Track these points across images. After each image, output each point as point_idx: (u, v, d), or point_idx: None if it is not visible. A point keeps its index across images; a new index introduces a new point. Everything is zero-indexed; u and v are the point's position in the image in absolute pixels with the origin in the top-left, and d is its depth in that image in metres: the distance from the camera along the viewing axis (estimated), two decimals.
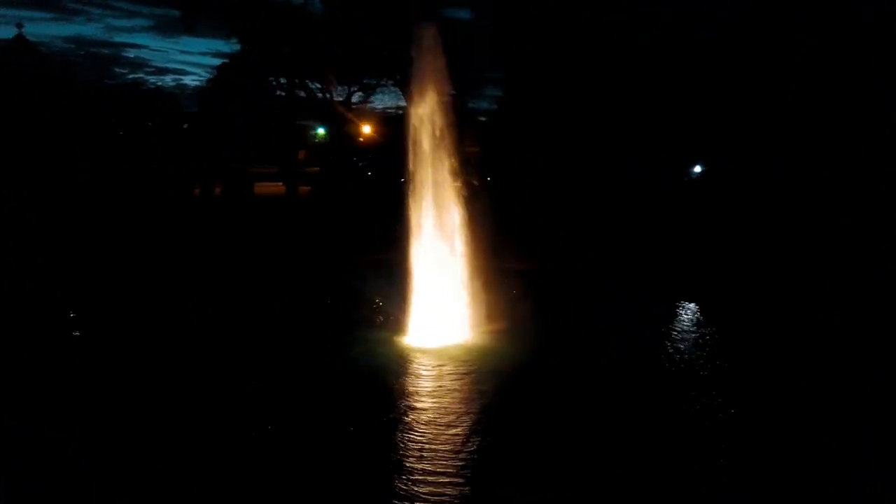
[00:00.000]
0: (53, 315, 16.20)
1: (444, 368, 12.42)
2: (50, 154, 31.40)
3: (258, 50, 35.00)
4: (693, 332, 15.38)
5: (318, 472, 8.69)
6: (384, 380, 11.91)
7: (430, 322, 14.18)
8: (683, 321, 16.32)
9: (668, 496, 8.23)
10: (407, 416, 10.33)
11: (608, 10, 29.29)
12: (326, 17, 36.04)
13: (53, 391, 11.41)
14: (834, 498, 8.22)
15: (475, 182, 34.17)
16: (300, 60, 34.67)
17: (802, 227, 23.28)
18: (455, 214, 14.80)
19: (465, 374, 12.19)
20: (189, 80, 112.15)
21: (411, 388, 11.58)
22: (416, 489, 8.13)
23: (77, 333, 15.00)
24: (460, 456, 8.99)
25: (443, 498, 7.95)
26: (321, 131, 42.37)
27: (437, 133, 14.34)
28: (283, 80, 37.25)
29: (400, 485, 8.24)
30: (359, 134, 40.23)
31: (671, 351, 13.82)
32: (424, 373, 12.28)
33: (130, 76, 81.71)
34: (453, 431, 9.77)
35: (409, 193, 14.40)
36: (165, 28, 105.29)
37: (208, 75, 38.99)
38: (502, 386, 11.56)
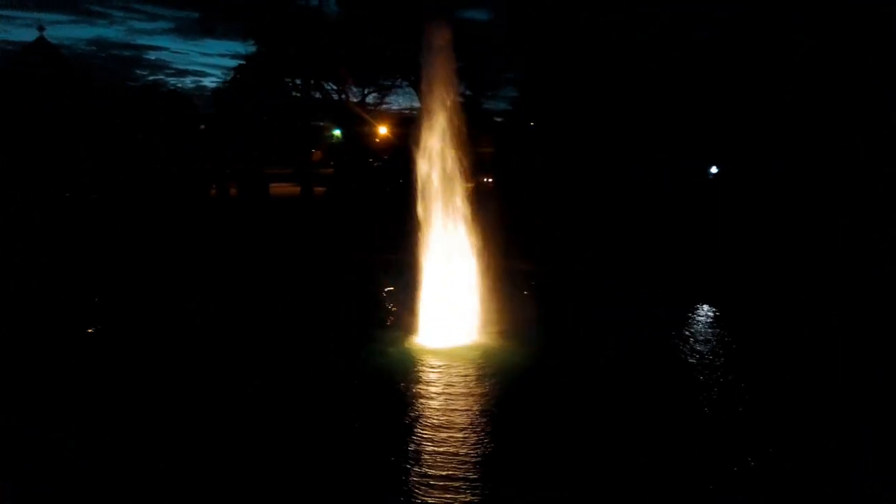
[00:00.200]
0: (66, 313, 16.42)
1: (452, 369, 12.39)
2: (68, 155, 31.85)
3: (274, 51, 35.29)
4: (707, 334, 15.21)
5: (324, 475, 8.65)
6: (392, 380, 11.93)
7: (439, 322, 14.18)
8: (696, 323, 16.16)
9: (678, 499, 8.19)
10: (415, 418, 10.28)
11: (623, 10, 29.21)
12: (341, 19, 36.26)
13: (67, 390, 11.56)
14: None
15: (488, 182, 34.24)
16: (315, 61, 34.90)
17: (807, 228, 23.07)
18: (464, 215, 14.78)
19: (473, 375, 12.15)
20: (208, 82, 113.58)
21: (419, 390, 11.56)
22: (425, 497, 8.04)
23: (91, 330, 15.22)
24: (470, 459, 8.91)
25: None
26: (337, 132, 42.56)
27: (446, 133, 14.33)
28: (298, 82, 37.51)
29: (410, 489, 8.17)
30: (374, 135, 40.38)
31: (681, 353, 13.69)
32: (433, 374, 12.26)
33: (151, 78, 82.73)
34: (463, 434, 9.69)
35: (418, 194, 14.43)
36: (186, 30, 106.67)
37: (227, 77, 39.34)
38: (512, 387, 11.53)
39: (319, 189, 38.56)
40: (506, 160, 32.78)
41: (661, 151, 28.40)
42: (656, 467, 8.76)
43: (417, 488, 8.18)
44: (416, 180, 14.50)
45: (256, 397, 11.00)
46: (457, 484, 8.28)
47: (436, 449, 9.20)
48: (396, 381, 11.94)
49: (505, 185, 30.78)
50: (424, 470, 8.61)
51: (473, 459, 8.91)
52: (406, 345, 13.79)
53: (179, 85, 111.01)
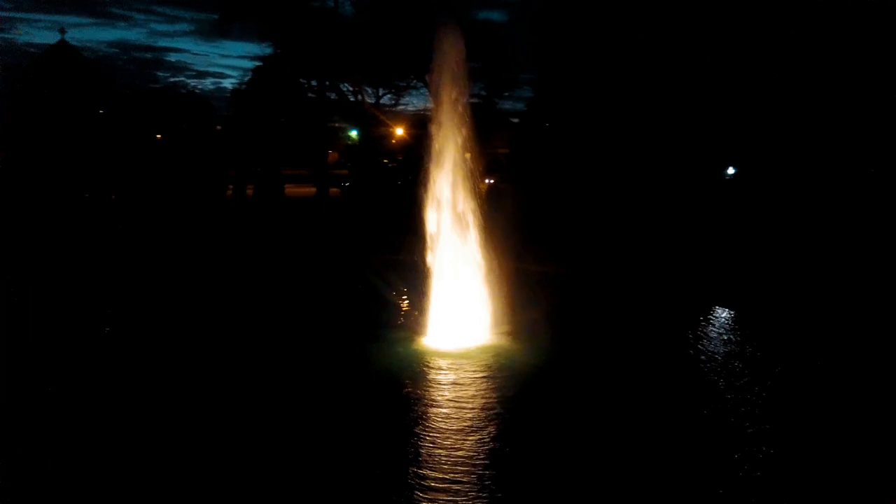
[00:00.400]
0: (78, 309, 16.68)
1: (462, 371, 12.33)
2: (87, 156, 32.32)
3: (290, 52, 35.52)
4: (724, 337, 15.04)
5: (329, 477, 8.59)
6: (402, 382, 11.90)
7: (450, 323, 14.19)
8: (712, 326, 15.96)
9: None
10: (422, 421, 10.20)
11: (640, 10, 29.05)
12: (357, 19, 36.44)
13: (79, 389, 11.72)
14: None
15: (503, 183, 34.16)
16: (331, 62, 35.07)
17: (828, 229, 22.77)
18: (476, 216, 14.78)
19: (484, 377, 12.09)
20: (228, 84, 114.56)
21: (428, 391, 11.51)
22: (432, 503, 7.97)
23: (107, 329, 15.45)
24: (478, 463, 8.80)
25: None
26: (353, 133, 42.76)
27: (456, 134, 14.33)
28: (313, 83, 37.72)
29: (416, 494, 8.08)
30: (389, 136, 40.49)
31: (695, 356, 13.52)
32: (442, 376, 12.21)
33: (171, 80, 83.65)
34: (473, 438, 9.56)
35: (429, 195, 14.45)
36: (206, 32, 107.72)
37: (245, 78, 39.68)
38: (522, 390, 11.46)
39: (334, 190, 38.77)
40: (521, 161, 32.71)
41: (678, 151, 28.19)
42: (670, 474, 8.64)
43: (424, 493, 8.09)
44: (426, 181, 14.51)
45: (264, 396, 11.04)
46: (465, 489, 8.18)
47: (443, 452, 9.11)
48: (405, 382, 11.92)
49: (520, 186, 30.69)
50: (431, 474, 8.51)
51: (481, 464, 8.81)
52: (416, 346, 13.76)
53: (199, 86, 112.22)
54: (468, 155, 14.82)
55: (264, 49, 37.17)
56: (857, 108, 25.65)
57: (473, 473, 8.54)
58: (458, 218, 14.52)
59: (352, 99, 38.96)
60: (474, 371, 12.41)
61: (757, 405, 10.85)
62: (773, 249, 22.36)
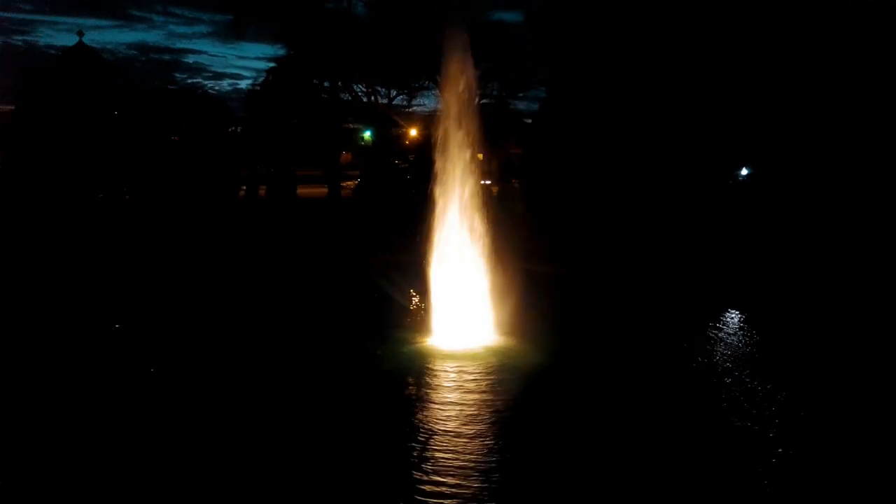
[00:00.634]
0: (85, 307, 16.89)
1: (465, 372, 12.30)
2: (102, 157, 32.69)
3: (303, 53, 35.71)
4: (733, 340, 14.90)
5: (331, 480, 8.53)
6: (406, 383, 11.94)
7: (455, 324, 14.20)
8: (722, 329, 15.76)
9: None
10: (426, 423, 10.13)
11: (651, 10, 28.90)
12: (369, 20, 36.55)
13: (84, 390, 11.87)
14: None
15: (515, 183, 34.10)
16: (344, 63, 35.22)
17: (843, 230, 22.51)
18: (482, 217, 14.78)
19: (488, 378, 12.05)
20: (245, 85, 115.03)
21: (432, 393, 11.50)
22: None
23: (117, 326, 15.65)
24: (482, 468, 8.71)
25: None
26: (367, 134, 42.91)
27: (464, 135, 14.35)
28: (326, 84, 37.90)
29: (418, 498, 7.99)
30: (401, 136, 40.59)
31: (702, 359, 13.44)
32: (446, 377, 12.18)
33: (189, 81, 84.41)
34: (477, 441, 9.49)
35: (434, 196, 14.49)
36: (224, 34, 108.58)
37: (260, 79, 39.95)
38: (526, 392, 11.42)
39: (349, 184, 38.99)
40: (533, 161, 32.64)
41: (691, 152, 28.01)
42: (675, 478, 8.56)
43: (426, 497, 8.02)
44: (432, 182, 14.56)
45: (267, 396, 11.08)
46: (470, 493, 8.11)
47: (446, 455, 9.02)
48: (409, 383, 11.95)
49: (531, 187, 30.66)
50: (434, 478, 8.41)
51: (485, 468, 8.71)
52: (421, 346, 13.79)
53: (217, 88, 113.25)
54: (480, 156, 14.84)
55: (280, 50, 37.45)
56: (875, 109, 25.33)
57: (477, 477, 8.46)
58: (464, 218, 14.54)
59: (365, 100, 39.10)
60: (478, 372, 12.38)
61: (763, 408, 10.71)
62: (786, 251, 22.14)
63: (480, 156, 14.93)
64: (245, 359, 13.02)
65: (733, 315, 17.03)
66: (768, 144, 27.73)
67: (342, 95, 38.40)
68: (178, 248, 24.63)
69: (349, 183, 40.15)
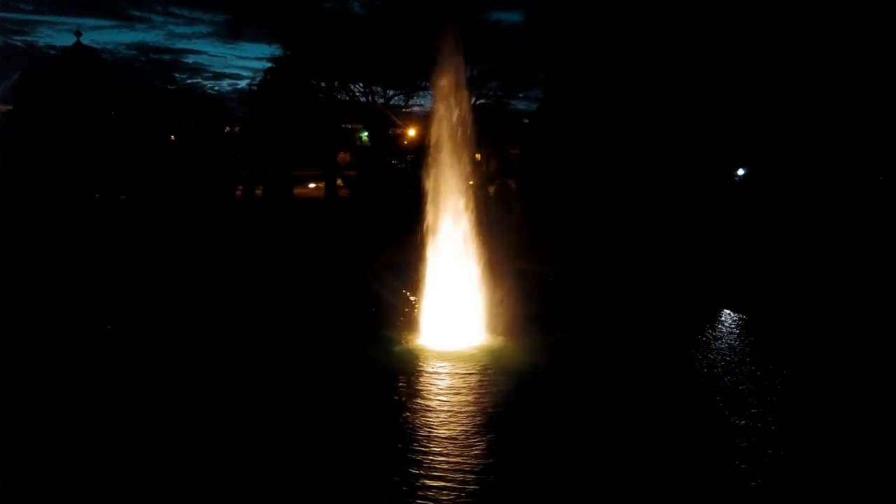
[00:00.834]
0: (78, 307, 16.88)
1: (456, 373, 12.25)
2: (99, 157, 32.73)
3: (301, 53, 35.75)
4: (729, 343, 14.86)
5: (317, 482, 8.44)
6: (397, 383, 11.87)
7: (447, 324, 14.13)
8: (716, 331, 15.71)
9: None
10: (417, 424, 10.04)
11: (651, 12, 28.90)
12: (367, 20, 36.58)
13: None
14: None
15: (512, 184, 34.15)
16: (341, 63, 35.25)
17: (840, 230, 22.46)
18: (475, 216, 14.74)
19: (480, 380, 11.98)
20: (245, 85, 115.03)
21: (422, 393, 11.42)
22: None
23: (109, 327, 15.64)
24: (472, 470, 8.60)
25: None
26: (364, 134, 42.94)
27: (456, 135, 14.32)
28: (323, 84, 37.94)
29: (408, 500, 7.89)
30: (399, 136, 40.63)
31: (698, 360, 13.32)
32: (437, 377, 12.13)
33: (189, 81, 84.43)
34: (468, 444, 9.36)
35: (427, 195, 14.47)
36: (224, 34, 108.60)
37: (258, 79, 39.96)
38: (516, 392, 11.34)
39: (343, 191, 38.99)
40: (530, 161, 32.68)
41: (689, 152, 28.01)
42: (668, 479, 8.48)
43: (415, 500, 7.91)
44: (425, 181, 14.54)
45: (255, 397, 11.00)
46: (458, 495, 8.03)
47: (434, 458, 8.91)
48: (400, 384, 11.89)
49: (528, 187, 30.68)
50: (422, 482, 8.27)
51: (474, 470, 8.61)
52: (414, 346, 13.72)
53: (217, 88, 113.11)
54: (478, 156, 14.81)
55: (278, 50, 37.49)
56: (872, 110, 25.31)
57: (466, 479, 8.35)
58: (457, 218, 14.52)
59: (363, 100, 39.14)
60: (470, 373, 12.31)
61: (756, 410, 10.64)
62: (783, 250, 22.09)
63: (478, 156, 14.88)
64: (232, 359, 12.95)
65: (729, 316, 16.98)
66: (765, 145, 27.72)
67: (339, 95, 38.46)
68: (172, 248, 24.63)
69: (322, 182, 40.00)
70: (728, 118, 27.59)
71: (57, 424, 9.94)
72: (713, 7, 28.59)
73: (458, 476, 8.44)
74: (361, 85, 38.38)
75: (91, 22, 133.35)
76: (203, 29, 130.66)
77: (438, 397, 11.24)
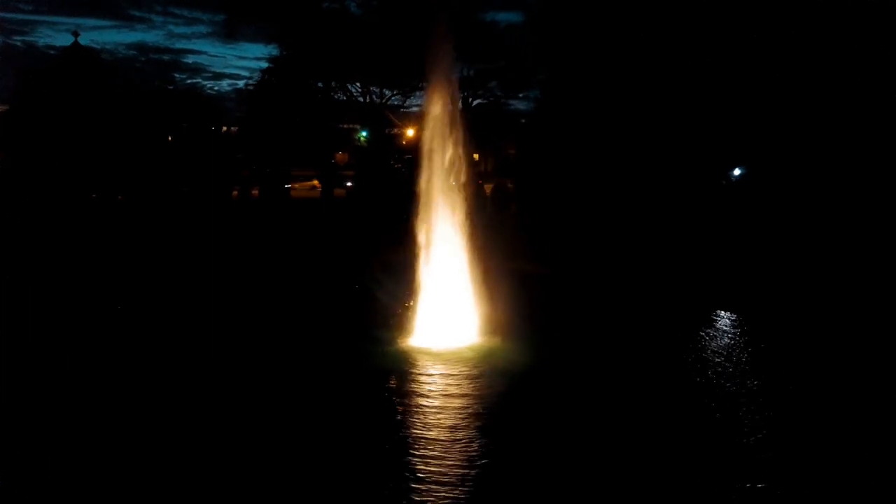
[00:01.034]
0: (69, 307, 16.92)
1: (449, 375, 12.25)
2: (96, 157, 32.78)
3: (298, 53, 35.76)
4: (720, 342, 14.79)
5: (307, 485, 8.42)
6: (389, 385, 11.88)
7: (439, 324, 14.13)
8: (708, 331, 15.64)
9: None
10: (409, 429, 9.98)
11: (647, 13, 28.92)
12: (364, 20, 36.61)
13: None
14: None
15: (508, 184, 34.16)
16: (339, 63, 35.27)
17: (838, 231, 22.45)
18: (467, 217, 14.77)
19: (472, 381, 12.00)
20: (244, 85, 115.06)
21: (414, 394, 11.41)
22: None
23: (101, 327, 15.68)
24: (462, 472, 8.57)
25: None
26: (363, 135, 42.98)
27: (448, 135, 14.36)
28: (320, 84, 37.96)
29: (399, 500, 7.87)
30: (396, 136, 40.68)
31: (689, 360, 13.32)
32: (429, 381, 12.08)
33: (189, 81, 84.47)
34: (459, 446, 9.33)
35: (420, 195, 14.50)
36: (224, 34, 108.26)
37: (256, 80, 39.94)
38: (508, 392, 11.35)
39: (340, 191, 39.07)
40: (527, 161, 32.71)
41: (684, 152, 28.02)
42: (656, 475, 8.50)
43: (405, 495, 7.94)
44: (417, 182, 14.57)
45: (245, 399, 10.98)
46: (449, 488, 8.07)
47: (425, 460, 8.87)
48: (392, 385, 11.91)
49: (524, 187, 30.70)
50: (414, 486, 8.23)
51: (465, 473, 8.59)
52: (405, 346, 13.75)
53: (216, 88, 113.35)
54: (476, 156, 14.84)
55: (271, 50, 37.51)
56: (868, 109, 25.30)
57: (457, 483, 8.33)
58: (450, 219, 14.55)
59: (360, 100, 39.17)
60: (462, 373, 12.32)
61: (746, 411, 10.64)
62: (777, 251, 22.09)
63: (476, 156, 14.91)
64: (222, 360, 12.94)
65: (722, 316, 16.99)
66: (761, 145, 27.72)
67: (337, 95, 38.49)
68: (166, 249, 24.67)
69: (314, 182, 40.12)
70: (724, 119, 27.59)
71: (51, 423, 9.98)
72: (711, 7, 28.62)
73: (449, 478, 8.41)
74: (359, 85, 38.47)
75: (91, 22, 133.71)
76: (203, 29, 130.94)
77: (429, 397, 11.25)
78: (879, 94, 25.17)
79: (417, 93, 38.56)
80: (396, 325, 14.81)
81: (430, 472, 8.57)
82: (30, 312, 16.55)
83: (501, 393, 11.36)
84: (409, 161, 34.46)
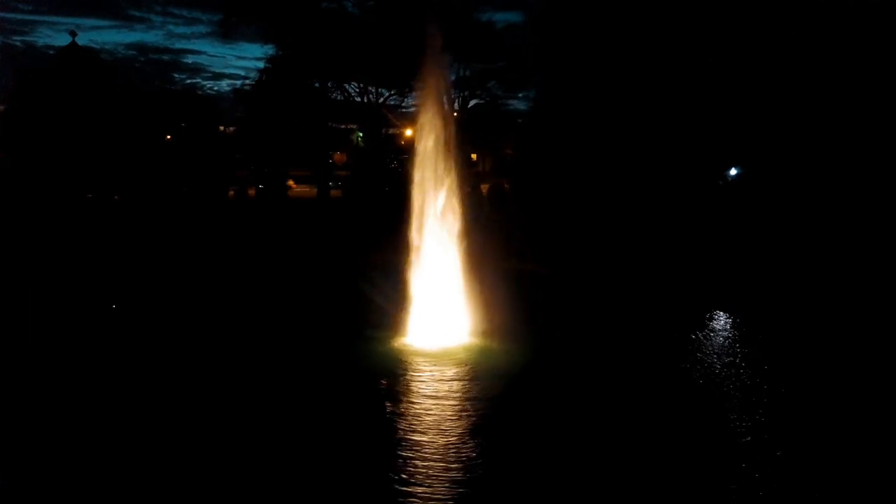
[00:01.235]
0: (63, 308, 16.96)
1: (443, 374, 12.24)
2: (93, 156, 32.79)
3: (295, 53, 35.76)
4: (716, 342, 14.84)
5: (300, 491, 8.34)
6: (381, 385, 11.85)
7: (433, 323, 14.13)
8: (704, 331, 15.64)
9: None
10: (402, 430, 9.95)
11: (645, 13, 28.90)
12: (361, 20, 36.61)
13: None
14: None
15: (504, 184, 34.12)
16: (336, 62, 35.27)
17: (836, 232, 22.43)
18: (461, 216, 14.75)
19: (466, 381, 11.98)
20: (241, 85, 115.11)
21: (407, 394, 11.42)
22: None
23: (96, 327, 15.67)
24: (454, 472, 8.55)
25: None
26: (360, 134, 43.02)
27: (441, 134, 14.35)
28: (317, 84, 37.96)
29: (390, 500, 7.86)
30: (394, 136, 40.69)
31: (685, 361, 13.28)
32: (422, 381, 12.06)
33: (188, 81, 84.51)
34: (452, 448, 9.30)
35: (414, 195, 14.49)
36: (223, 34, 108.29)
37: (254, 80, 39.93)
38: (501, 392, 11.35)
39: (335, 191, 39.07)
40: (524, 161, 32.70)
41: (680, 153, 28.01)
42: (655, 488, 8.43)
43: (394, 497, 7.93)
44: (410, 182, 14.57)
45: (237, 399, 10.96)
46: (440, 489, 8.07)
47: (417, 462, 8.85)
48: (384, 385, 11.88)
49: (521, 187, 30.68)
50: (404, 488, 8.20)
51: (458, 476, 8.54)
52: (399, 345, 13.73)
53: (216, 88, 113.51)
54: (474, 156, 14.85)
55: (267, 50, 37.52)
56: (866, 109, 25.29)
57: (450, 484, 8.30)
58: (445, 218, 14.54)
59: (358, 99, 39.17)
60: (456, 374, 12.31)
61: (738, 412, 10.63)
62: (774, 251, 22.08)
63: (474, 156, 14.92)
64: (215, 359, 12.92)
65: (718, 316, 16.98)
66: (758, 145, 27.72)
67: (335, 95, 38.49)
68: (162, 249, 24.67)
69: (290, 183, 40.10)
70: (721, 119, 27.59)
71: (47, 422, 9.99)
72: (708, 8, 28.61)
73: (443, 480, 8.39)
74: (356, 84, 38.46)
75: (90, 22, 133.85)
76: (202, 29, 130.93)
77: (421, 398, 11.24)
78: (878, 94, 25.15)
79: (415, 92, 38.56)
80: (390, 325, 14.79)
81: (421, 472, 8.55)
82: (28, 312, 16.52)
83: (495, 394, 11.32)
84: (406, 161, 34.48)
